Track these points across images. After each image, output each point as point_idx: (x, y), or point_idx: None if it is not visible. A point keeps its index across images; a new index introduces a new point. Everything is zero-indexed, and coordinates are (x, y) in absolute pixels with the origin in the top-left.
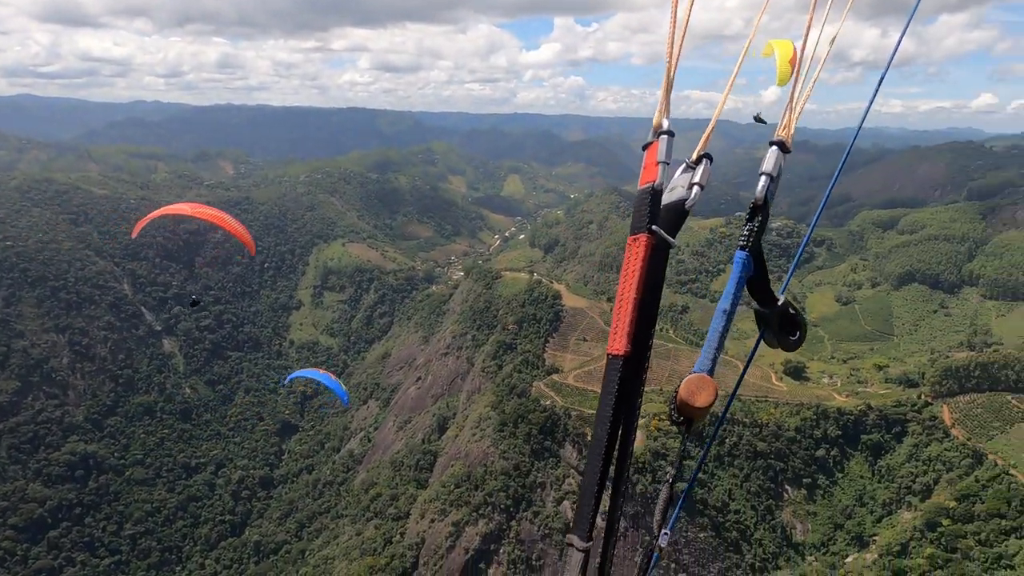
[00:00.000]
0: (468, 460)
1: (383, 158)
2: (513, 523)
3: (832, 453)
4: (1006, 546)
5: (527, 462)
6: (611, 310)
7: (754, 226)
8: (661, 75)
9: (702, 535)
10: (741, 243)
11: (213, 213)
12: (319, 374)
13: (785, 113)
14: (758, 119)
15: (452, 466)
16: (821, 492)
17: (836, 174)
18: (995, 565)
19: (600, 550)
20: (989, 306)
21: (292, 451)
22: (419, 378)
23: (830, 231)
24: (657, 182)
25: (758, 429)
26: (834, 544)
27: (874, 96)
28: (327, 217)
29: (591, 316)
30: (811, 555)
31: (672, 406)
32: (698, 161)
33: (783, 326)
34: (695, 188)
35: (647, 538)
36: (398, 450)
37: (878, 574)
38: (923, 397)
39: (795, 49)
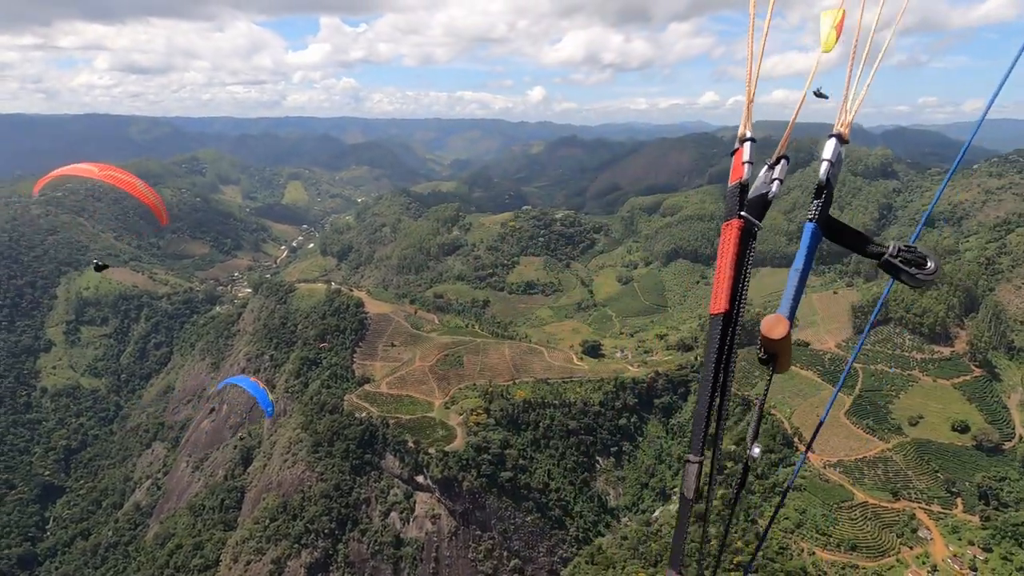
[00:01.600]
0: (282, 489)
1: (140, 169)
2: (340, 546)
3: (632, 420)
4: (776, 475)
5: (348, 480)
6: (415, 312)
7: (820, 202)
8: (445, 77)
9: (528, 519)
10: (810, 217)
11: (122, 178)
12: (246, 380)
13: (841, 112)
14: (819, 94)
15: (264, 499)
16: (627, 457)
17: (948, 176)
18: (770, 493)
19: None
20: None
21: (59, 517)
22: (212, 409)
23: (605, 218)
24: (744, 179)
25: (567, 408)
26: (643, 503)
27: (992, 100)
28: (75, 241)
29: (396, 321)
30: (625, 516)
31: (759, 347)
32: (777, 161)
33: (909, 264)
34: (775, 183)
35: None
36: (196, 492)
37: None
38: (699, 358)
39: (843, 13)
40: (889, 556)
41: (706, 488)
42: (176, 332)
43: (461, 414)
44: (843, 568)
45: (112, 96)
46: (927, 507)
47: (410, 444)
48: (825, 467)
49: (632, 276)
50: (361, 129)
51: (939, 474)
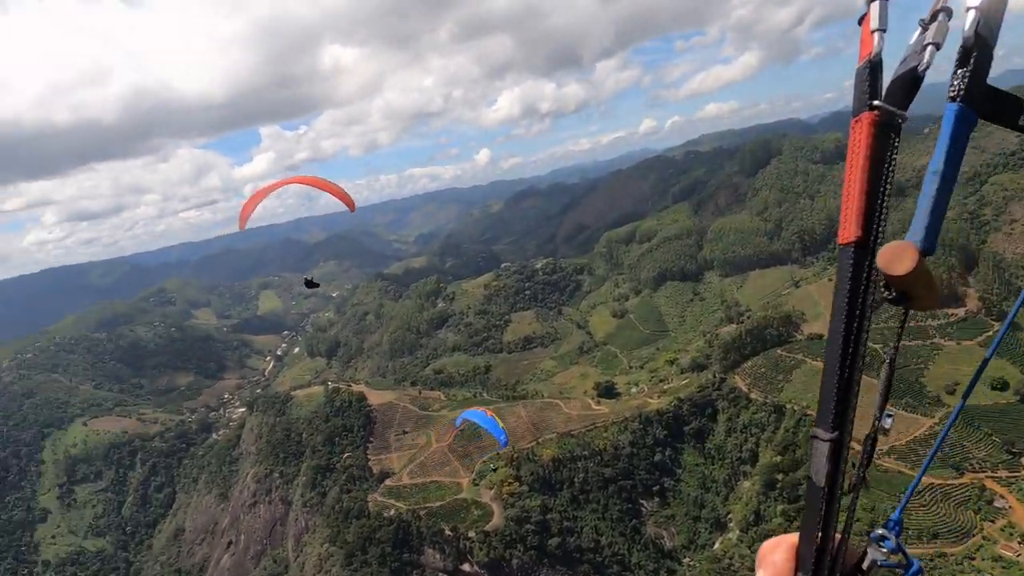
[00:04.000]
0: None
1: (108, 313)
2: None
3: (668, 454)
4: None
5: None
6: (419, 393)
7: (967, 71)
8: (393, 158)
9: None
10: (951, 94)
11: (310, 179)
12: (480, 415)
13: None
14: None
15: None
16: (671, 494)
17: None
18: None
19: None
20: (728, 282)
21: None
22: (230, 543)
23: (584, 258)
24: (874, 54)
25: (599, 457)
26: (699, 537)
27: None
28: (54, 399)
29: (402, 406)
30: (686, 557)
31: (883, 284)
32: (933, 17)
33: None
34: (928, 49)
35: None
36: None
37: (750, 546)
38: (717, 375)
39: None
40: (974, 535)
41: (847, 475)
42: (176, 470)
43: (492, 487)
44: (931, 560)
45: (66, 247)
46: (994, 475)
47: (447, 532)
48: (879, 457)
49: (626, 308)
50: (320, 227)
51: (994, 437)
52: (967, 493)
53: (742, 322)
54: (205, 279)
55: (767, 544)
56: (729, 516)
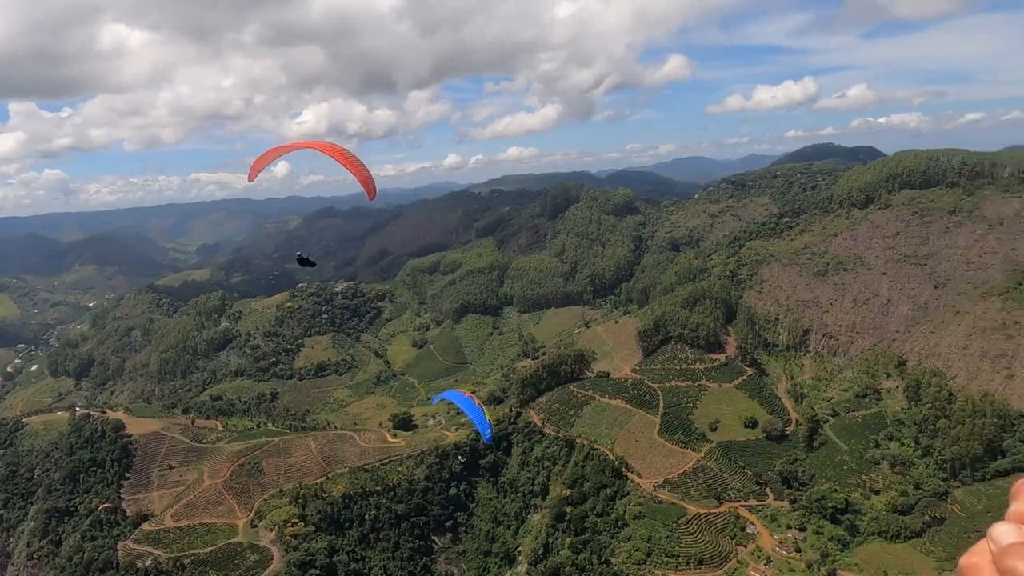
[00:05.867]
0: None
1: None
2: None
3: (462, 487)
4: (616, 509)
5: None
6: (192, 422)
7: None
8: (178, 159)
9: None
10: None
11: (335, 148)
12: (463, 400)
13: None
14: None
15: None
16: (464, 529)
17: None
18: (615, 528)
19: None
20: (526, 318)
21: None
22: None
23: (386, 284)
24: None
25: (392, 492)
26: (488, 573)
27: None
28: None
29: (171, 437)
30: None
31: None
32: None
33: None
34: None
35: None
36: None
37: None
38: (514, 409)
39: None
40: (731, 559)
41: None
42: None
43: (272, 528)
44: None
45: None
46: (746, 503)
47: None
48: (656, 489)
49: (427, 338)
50: (78, 224)
51: (746, 470)
52: (726, 521)
53: (538, 357)
54: None
55: (1021, 479)
56: (519, 550)
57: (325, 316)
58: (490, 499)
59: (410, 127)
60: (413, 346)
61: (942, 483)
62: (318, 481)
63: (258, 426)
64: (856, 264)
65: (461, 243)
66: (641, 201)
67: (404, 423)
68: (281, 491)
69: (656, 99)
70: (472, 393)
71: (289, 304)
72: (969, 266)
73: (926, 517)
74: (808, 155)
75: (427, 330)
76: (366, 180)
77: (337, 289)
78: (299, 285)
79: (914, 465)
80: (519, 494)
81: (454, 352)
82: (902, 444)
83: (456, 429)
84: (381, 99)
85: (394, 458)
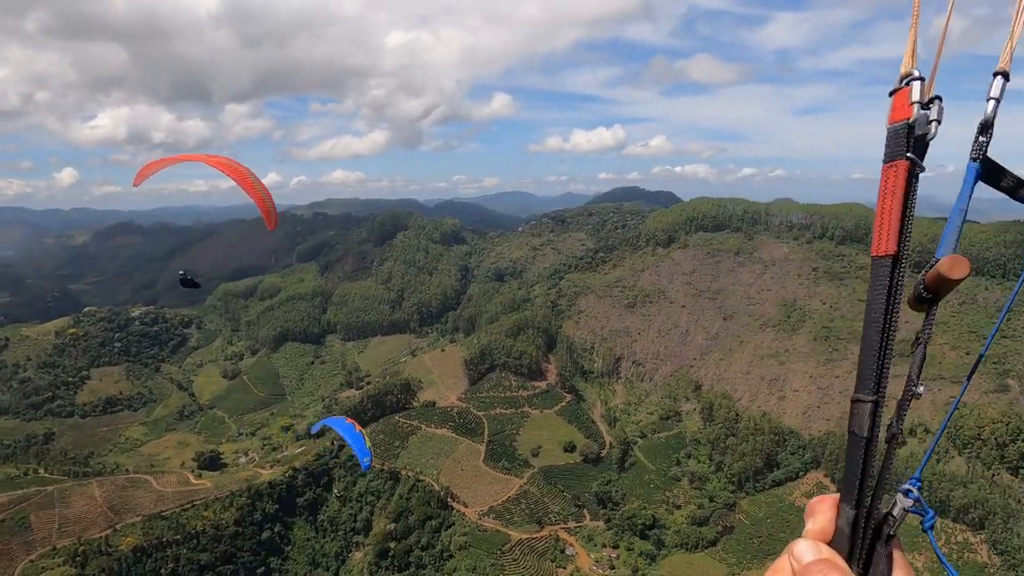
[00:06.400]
0: None
1: None
2: None
3: (276, 530)
4: (441, 540)
5: None
6: None
7: (986, 141)
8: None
9: None
10: (973, 156)
11: (237, 168)
12: (343, 425)
13: (1004, 50)
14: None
15: None
16: (278, 575)
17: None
18: (441, 560)
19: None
20: (350, 347)
21: None
22: None
23: (194, 310)
24: (912, 119)
25: (195, 540)
26: None
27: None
28: None
29: None
30: None
31: (920, 287)
32: (931, 101)
33: None
34: (933, 124)
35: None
36: None
37: None
38: (335, 442)
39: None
40: None
41: (884, 429)
42: None
43: None
44: None
45: None
46: (566, 526)
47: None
48: (480, 518)
49: (240, 368)
50: None
51: (565, 493)
52: (546, 544)
53: (363, 387)
54: None
55: (815, 499)
56: None
57: (118, 344)
58: (308, 540)
59: (226, 141)
60: (224, 377)
61: (731, 495)
62: (103, 534)
63: (25, 474)
64: (660, 297)
65: (281, 267)
66: (468, 231)
67: (211, 462)
68: (54, 549)
69: (483, 134)
70: (353, 420)
71: (73, 330)
72: (750, 301)
73: (719, 527)
74: (618, 196)
75: (240, 359)
76: (268, 211)
77: (134, 314)
78: (85, 309)
79: (708, 480)
80: (340, 532)
81: (271, 383)
82: (699, 461)
83: (271, 466)
84: (194, 109)
85: (198, 502)
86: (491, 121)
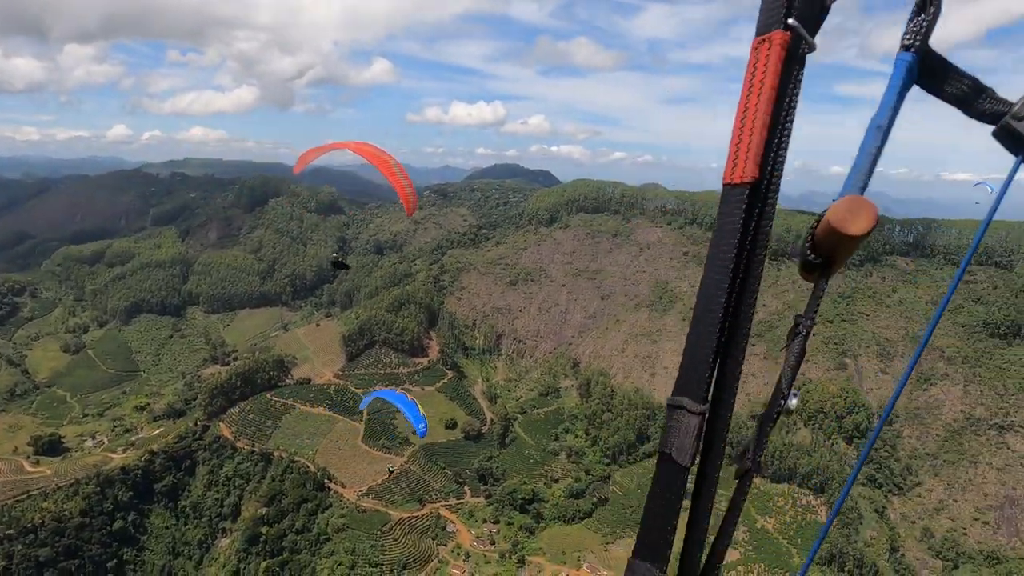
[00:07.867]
0: None
1: None
2: None
3: (130, 519)
4: (318, 524)
5: None
6: None
7: (925, 22)
8: None
9: None
10: (905, 43)
11: (380, 155)
12: (395, 395)
13: None
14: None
15: None
16: (132, 567)
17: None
18: (317, 544)
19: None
20: (215, 319)
21: None
22: None
23: (26, 275)
24: None
25: (34, 535)
26: None
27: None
28: None
29: None
30: None
31: (808, 244)
32: None
33: None
34: None
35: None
36: None
37: None
38: (200, 422)
39: None
40: (433, 560)
41: (712, 451)
42: None
43: None
44: None
45: None
46: (447, 503)
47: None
48: (359, 498)
49: (85, 342)
50: None
51: (447, 471)
52: (427, 522)
53: (229, 363)
54: None
55: None
56: None
57: None
58: (167, 528)
59: (63, 85)
60: (65, 351)
61: (606, 468)
62: None
63: None
64: (541, 276)
65: (133, 231)
66: (345, 201)
67: (51, 447)
68: None
69: (360, 100)
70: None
71: None
72: (626, 282)
73: (594, 499)
74: (499, 172)
75: (85, 332)
76: (408, 199)
77: None
78: None
79: (585, 454)
80: (204, 519)
81: (122, 358)
82: (576, 436)
83: (124, 450)
84: (26, 45)
85: (35, 492)
86: (369, 87)
